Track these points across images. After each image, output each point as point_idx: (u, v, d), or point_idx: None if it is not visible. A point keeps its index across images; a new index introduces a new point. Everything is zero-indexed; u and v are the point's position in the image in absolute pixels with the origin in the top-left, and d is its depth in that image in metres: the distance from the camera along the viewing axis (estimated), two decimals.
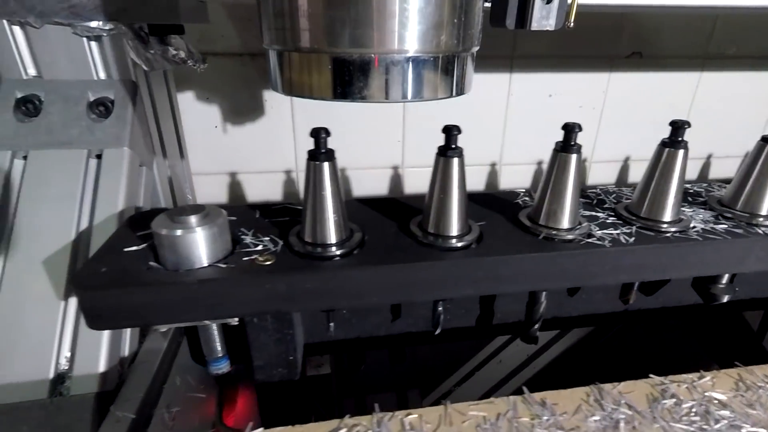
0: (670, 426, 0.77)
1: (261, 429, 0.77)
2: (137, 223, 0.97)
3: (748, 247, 0.99)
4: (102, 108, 1.07)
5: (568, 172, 0.93)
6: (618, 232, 0.98)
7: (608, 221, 1.03)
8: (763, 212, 1.07)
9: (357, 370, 1.32)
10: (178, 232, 0.81)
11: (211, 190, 1.37)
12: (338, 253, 0.89)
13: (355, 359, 1.32)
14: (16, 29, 1.01)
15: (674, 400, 0.83)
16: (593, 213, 1.07)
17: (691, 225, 1.02)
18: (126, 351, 1.02)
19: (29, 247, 0.97)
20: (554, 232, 0.96)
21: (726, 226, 1.02)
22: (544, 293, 1.07)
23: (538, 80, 1.36)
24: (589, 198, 1.16)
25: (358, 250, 0.91)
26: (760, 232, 1.02)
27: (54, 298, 0.95)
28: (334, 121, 1.30)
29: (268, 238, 0.94)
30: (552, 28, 0.77)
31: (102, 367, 0.93)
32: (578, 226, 0.98)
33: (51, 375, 0.92)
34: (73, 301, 0.97)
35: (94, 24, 0.92)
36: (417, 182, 1.46)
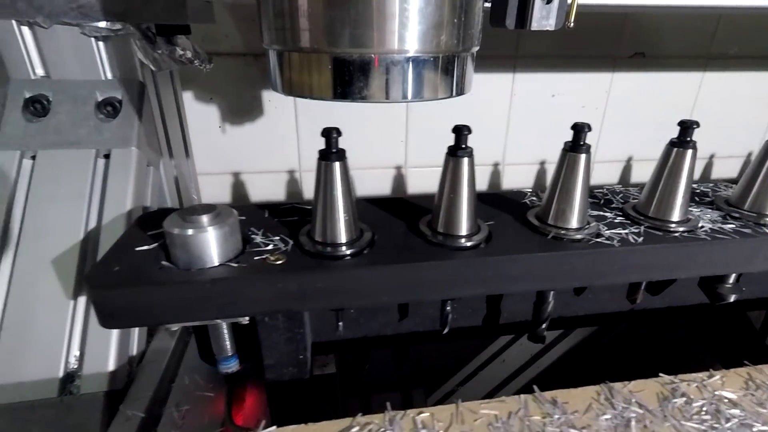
0: (682, 425, 0.78)
1: (274, 427, 0.77)
2: (147, 222, 0.98)
3: (756, 246, 1.00)
4: (110, 108, 1.07)
5: (577, 172, 0.93)
6: (626, 231, 0.98)
7: (616, 221, 1.04)
8: None
9: (361, 370, 1.32)
10: (190, 232, 0.81)
11: (214, 190, 1.37)
12: (349, 252, 0.89)
13: (359, 359, 1.32)
14: (25, 29, 1.01)
15: (684, 399, 0.83)
16: (601, 213, 1.08)
17: (700, 225, 1.02)
18: (134, 350, 1.02)
19: (38, 247, 0.98)
20: (563, 232, 0.96)
21: (734, 225, 1.03)
22: (552, 293, 1.07)
23: (541, 80, 1.36)
24: (596, 198, 1.16)
25: (368, 250, 0.91)
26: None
27: (63, 297, 0.96)
28: (338, 121, 1.30)
29: (278, 238, 0.94)
30: (552, 28, 0.77)
31: (111, 366, 0.94)
32: (587, 226, 0.98)
33: (60, 374, 0.92)
34: (82, 301, 0.97)
35: (102, 24, 0.93)
36: (420, 182, 1.46)
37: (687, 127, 0.96)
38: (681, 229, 0.99)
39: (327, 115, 1.29)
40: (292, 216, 1.04)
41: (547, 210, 0.98)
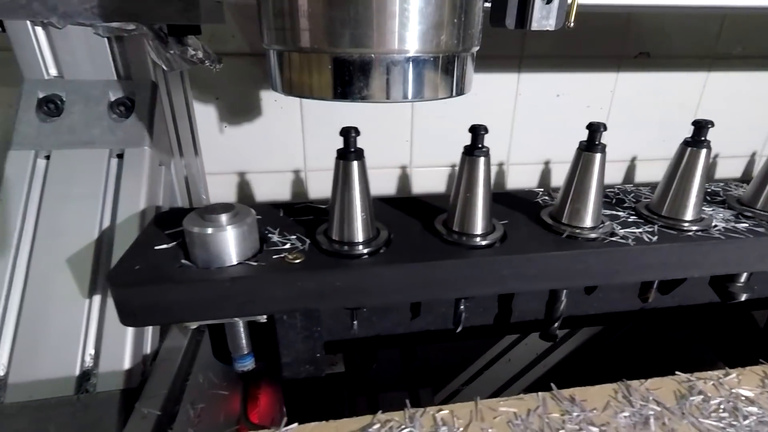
0: (700, 422, 0.78)
1: (295, 424, 0.78)
2: (163, 221, 0.98)
3: None
4: (123, 108, 1.07)
5: (592, 172, 0.93)
6: (640, 230, 0.99)
7: (629, 220, 1.04)
8: None
9: (369, 369, 1.33)
10: (210, 231, 0.82)
11: (221, 190, 1.38)
12: (366, 251, 0.89)
13: (367, 358, 1.33)
14: (39, 30, 1.01)
15: (701, 396, 0.84)
16: (613, 212, 1.08)
17: (713, 224, 1.02)
18: (148, 349, 1.02)
19: (53, 246, 0.98)
20: (578, 231, 0.96)
21: (747, 225, 1.03)
22: (564, 291, 1.08)
23: (545, 80, 1.37)
24: (608, 197, 1.17)
25: (385, 249, 0.91)
26: None
27: (78, 296, 0.96)
28: (343, 121, 1.31)
29: (294, 237, 0.94)
30: (552, 28, 0.77)
31: (126, 364, 0.94)
32: (601, 225, 0.99)
33: (77, 372, 0.92)
34: (96, 299, 0.97)
35: (115, 24, 0.93)
36: (425, 182, 1.47)
37: (701, 126, 0.97)
38: (695, 228, 1.00)
39: (333, 115, 1.30)
40: (307, 215, 1.04)
41: (562, 209, 0.99)
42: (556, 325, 1.13)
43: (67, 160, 1.04)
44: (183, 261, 0.85)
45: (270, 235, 0.95)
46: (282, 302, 0.85)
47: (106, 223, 1.01)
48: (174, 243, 0.89)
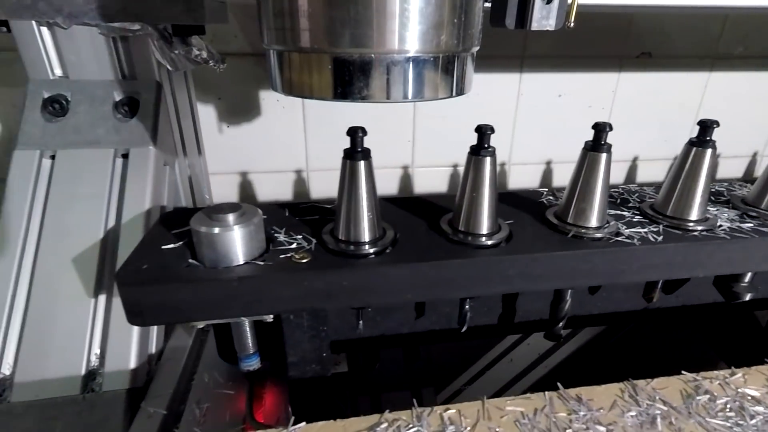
0: (707, 422, 0.78)
1: (303, 423, 0.78)
2: (169, 221, 0.98)
3: None
4: (127, 108, 1.07)
5: (597, 171, 0.94)
6: (645, 230, 0.99)
7: (634, 220, 1.04)
8: None
9: (372, 369, 1.33)
10: (217, 230, 0.82)
11: (223, 190, 1.38)
12: (372, 251, 0.89)
13: (370, 358, 1.33)
14: (44, 30, 1.01)
15: (708, 396, 0.84)
16: (618, 212, 1.08)
17: (718, 224, 1.03)
18: (153, 348, 1.02)
19: (59, 246, 0.98)
20: (583, 231, 0.96)
21: (752, 224, 1.03)
22: (569, 291, 1.08)
23: (547, 80, 1.37)
24: (613, 197, 1.17)
25: (391, 249, 0.92)
26: None
27: (84, 295, 0.96)
28: (344, 121, 1.31)
29: (300, 236, 0.94)
30: (552, 28, 0.78)
31: (132, 363, 0.95)
32: (606, 225, 0.99)
33: (83, 372, 0.93)
34: (102, 299, 0.97)
35: (120, 25, 0.93)
36: (427, 182, 1.47)
37: (707, 126, 0.97)
38: (700, 227, 1.00)
39: (335, 115, 1.30)
40: (313, 215, 1.04)
41: (567, 209, 0.99)
42: (560, 324, 1.13)
43: (73, 159, 1.04)
44: (190, 260, 0.85)
45: (276, 234, 0.95)
46: (289, 302, 0.85)
47: (111, 223, 1.01)
48: (181, 243, 0.90)
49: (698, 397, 0.83)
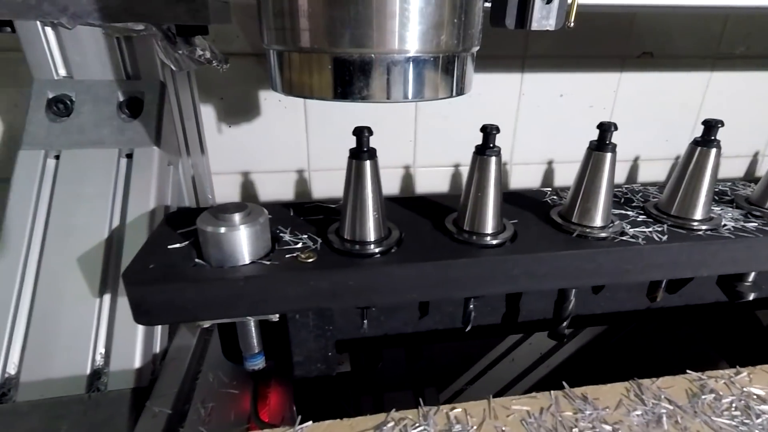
0: (713, 420, 0.79)
1: (310, 422, 0.78)
2: (174, 221, 0.98)
3: None
4: (132, 108, 1.07)
5: (602, 171, 0.94)
6: (650, 230, 0.99)
7: (639, 219, 1.05)
8: None
9: (375, 368, 1.33)
10: (223, 230, 0.82)
11: (225, 190, 1.38)
12: (378, 250, 0.89)
13: (373, 357, 1.33)
14: (48, 30, 1.02)
15: (713, 395, 0.84)
16: (622, 211, 1.09)
17: (722, 223, 1.03)
18: (157, 348, 1.02)
19: (64, 245, 0.98)
20: (588, 230, 0.97)
21: (756, 224, 1.04)
22: (573, 291, 1.08)
23: (549, 80, 1.37)
24: (617, 197, 1.17)
25: (397, 248, 0.92)
26: None
27: (89, 295, 0.96)
28: (346, 121, 1.32)
29: (306, 236, 0.94)
30: (552, 28, 0.78)
31: (137, 363, 0.94)
32: (611, 224, 0.99)
33: (88, 371, 0.92)
34: (107, 298, 0.97)
35: (124, 25, 0.93)
36: (428, 182, 1.47)
37: (711, 126, 0.97)
38: (704, 227, 1.00)
39: (337, 115, 1.30)
40: (317, 214, 1.04)
41: (572, 208, 0.99)
42: (564, 324, 1.13)
43: (77, 159, 1.04)
44: (196, 260, 0.85)
45: (281, 234, 0.95)
46: (295, 301, 0.85)
47: (116, 223, 1.01)
48: (187, 242, 0.90)
49: (704, 396, 0.84)
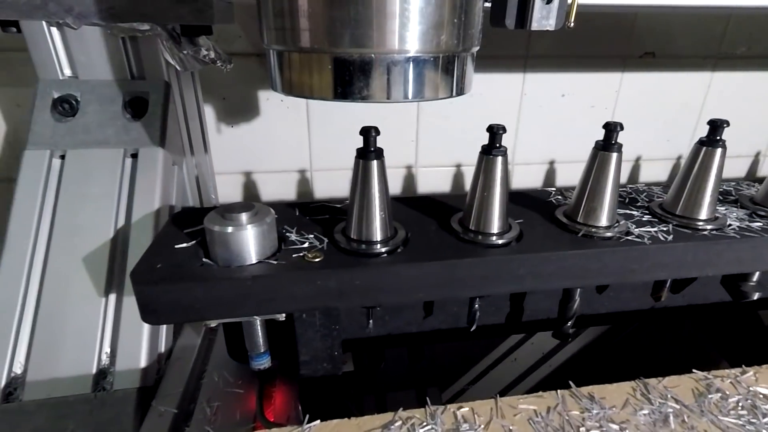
0: (719, 420, 0.79)
1: (318, 421, 0.78)
2: (180, 220, 0.99)
3: None
4: (137, 108, 1.07)
5: (608, 171, 0.94)
6: (655, 229, 0.99)
7: (644, 219, 1.05)
8: None
9: (377, 368, 1.33)
10: (230, 229, 0.82)
11: (227, 190, 1.39)
12: (384, 250, 0.89)
13: (376, 357, 1.33)
14: (54, 30, 1.02)
15: (720, 394, 0.84)
16: (627, 211, 1.09)
17: (727, 223, 1.03)
18: (163, 347, 1.03)
19: (69, 245, 0.98)
20: (593, 230, 0.97)
21: (761, 224, 1.04)
22: (578, 290, 1.08)
23: (551, 80, 1.38)
24: (621, 197, 1.17)
25: (403, 248, 0.92)
26: None
27: (94, 294, 0.96)
28: (348, 122, 1.32)
29: (312, 236, 0.94)
30: (552, 28, 0.78)
31: (143, 362, 0.95)
32: (616, 224, 0.99)
33: (94, 370, 0.93)
34: (112, 298, 0.98)
35: (130, 25, 0.93)
36: (430, 182, 1.47)
37: (717, 126, 0.97)
38: (709, 227, 1.00)
39: (339, 115, 1.31)
40: (323, 214, 1.04)
41: (577, 208, 0.99)
42: (569, 324, 1.13)
43: (82, 159, 1.04)
44: (204, 260, 0.85)
45: (288, 234, 0.95)
46: (302, 301, 0.85)
47: (121, 223, 1.02)
48: (193, 242, 0.90)
49: (710, 396, 0.84)
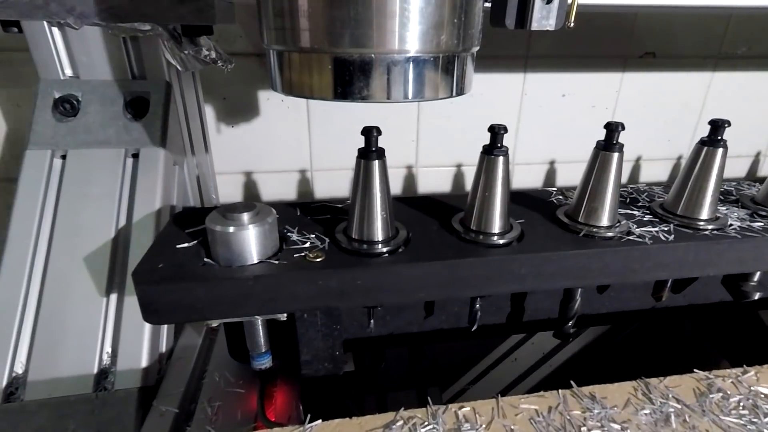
0: (721, 419, 0.79)
1: (319, 421, 0.78)
2: (181, 220, 0.98)
3: None
4: (138, 108, 1.07)
5: (609, 171, 0.94)
6: (656, 229, 0.99)
7: (645, 219, 1.05)
8: None
9: (378, 368, 1.33)
10: (232, 229, 0.82)
11: (228, 190, 1.39)
12: (386, 250, 0.89)
13: (376, 357, 1.33)
14: (55, 30, 1.02)
15: (721, 394, 0.84)
16: (628, 211, 1.09)
17: (728, 223, 1.03)
18: (164, 347, 1.03)
19: (71, 245, 0.98)
20: (594, 230, 0.97)
21: (762, 224, 1.04)
22: (579, 290, 1.08)
23: (551, 80, 1.38)
24: (622, 197, 1.17)
25: (404, 248, 0.92)
26: None
27: (95, 294, 0.96)
28: (348, 122, 1.32)
29: (313, 236, 0.94)
30: (552, 28, 0.78)
31: (144, 362, 0.95)
32: (618, 224, 0.99)
33: (95, 370, 0.93)
34: (113, 298, 0.98)
35: (131, 25, 0.93)
36: (431, 182, 1.48)
37: (718, 126, 0.97)
38: (711, 227, 1.00)
39: (339, 115, 1.31)
40: (325, 214, 1.04)
41: (578, 208, 0.99)
42: (570, 323, 1.13)
43: (84, 159, 1.04)
44: (205, 259, 0.85)
45: (289, 234, 0.95)
46: (303, 300, 0.85)
47: (122, 222, 1.02)
48: (195, 242, 0.90)
49: (711, 395, 0.84)
